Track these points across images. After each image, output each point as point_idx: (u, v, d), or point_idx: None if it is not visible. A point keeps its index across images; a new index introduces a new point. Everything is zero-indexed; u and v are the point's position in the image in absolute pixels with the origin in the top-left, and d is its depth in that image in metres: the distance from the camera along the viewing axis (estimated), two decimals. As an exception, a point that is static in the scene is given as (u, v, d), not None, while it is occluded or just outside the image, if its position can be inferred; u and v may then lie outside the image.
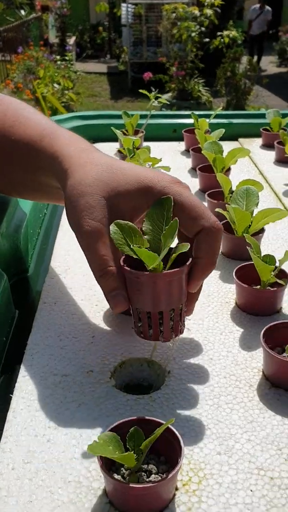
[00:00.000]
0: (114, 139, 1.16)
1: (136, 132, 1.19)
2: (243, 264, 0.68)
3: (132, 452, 0.41)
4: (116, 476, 0.42)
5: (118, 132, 1.06)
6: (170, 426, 0.43)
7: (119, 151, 1.12)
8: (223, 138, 1.06)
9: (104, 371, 0.56)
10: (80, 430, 0.49)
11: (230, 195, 0.83)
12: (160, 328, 0.51)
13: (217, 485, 0.44)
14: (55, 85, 5.80)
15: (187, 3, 7.27)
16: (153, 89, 1.22)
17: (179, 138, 1.28)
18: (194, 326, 0.63)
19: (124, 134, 1.15)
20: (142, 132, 1.20)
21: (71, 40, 10.15)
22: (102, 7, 11.11)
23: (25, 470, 0.45)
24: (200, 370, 0.56)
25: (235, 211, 0.73)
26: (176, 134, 1.33)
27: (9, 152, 0.65)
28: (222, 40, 6.85)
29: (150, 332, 0.51)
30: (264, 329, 0.56)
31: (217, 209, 0.78)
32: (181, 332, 0.53)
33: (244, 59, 6.78)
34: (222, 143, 1.00)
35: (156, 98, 1.20)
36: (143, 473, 0.43)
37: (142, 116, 1.27)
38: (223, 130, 1.06)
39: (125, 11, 8.83)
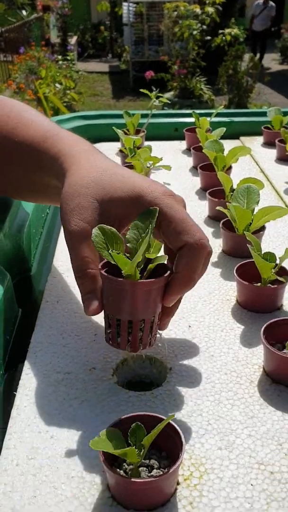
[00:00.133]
0: (116, 138, 1.17)
1: (137, 132, 1.20)
2: (243, 261, 0.69)
3: (134, 447, 0.41)
4: (118, 471, 0.43)
5: (119, 132, 1.07)
6: (171, 421, 0.43)
7: (120, 150, 1.13)
8: (225, 136, 1.06)
9: (106, 368, 0.56)
10: (83, 427, 0.49)
11: (231, 193, 0.83)
12: (129, 337, 0.51)
13: (218, 480, 0.44)
14: (57, 85, 5.81)
15: (188, 1, 7.26)
16: (154, 88, 1.22)
17: (181, 137, 1.29)
18: (195, 323, 0.64)
19: (126, 133, 1.16)
20: (144, 131, 1.21)
21: (73, 40, 10.16)
22: (103, 6, 11.11)
23: (29, 466, 0.46)
24: (201, 366, 0.57)
25: (235, 209, 0.73)
26: (177, 133, 1.34)
27: (12, 153, 0.66)
28: (224, 38, 6.85)
29: (118, 340, 0.51)
30: (265, 326, 0.56)
31: (218, 207, 0.79)
32: (150, 345, 0.52)
33: (246, 56, 6.77)
34: (224, 141, 1.01)
35: (157, 97, 1.20)
36: (145, 468, 0.43)
37: (144, 116, 1.28)
38: (224, 129, 1.06)
39: (126, 10, 8.83)
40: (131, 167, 0.95)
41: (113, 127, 1.08)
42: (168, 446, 0.44)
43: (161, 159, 0.96)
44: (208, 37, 6.98)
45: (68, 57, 7.91)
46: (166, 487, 0.42)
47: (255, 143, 1.29)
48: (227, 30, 6.91)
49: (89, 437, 0.48)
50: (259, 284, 0.66)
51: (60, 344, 0.60)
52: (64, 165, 0.58)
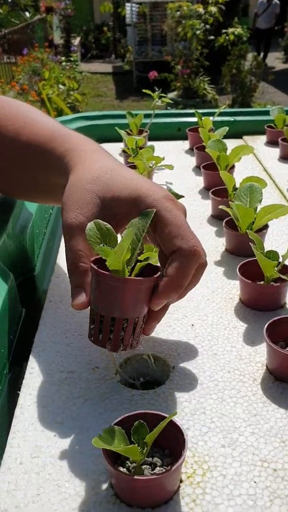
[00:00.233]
0: (119, 139, 1.17)
1: (140, 132, 1.20)
2: (246, 260, 0.69)
3: (137, 445, 0.42)
4: (121, 469, 0.43)
5: (122, 132, 1.07)
6: (173, 419, 0.43)
7: (123, 151, 1.13)
8: (228, 136, 1.06)
9: (109, 367, 0.56)
10: (86, 425, 0.49)
11: (234, 192, 0.83)
12: (110, 335, 0.50)
13: (221, 477, 0.44)
14: (60, 86, 5.82)
15: (191, 1, 7.26)
16: (156, 89, 1.22)
17: (184, 137, 1.29)
18: (198, 322, 0.64)
19: (129, 134, 1.16)
20: (147, 131, 1.21)
21: (76, 41, 10.16)
22: (106, 7, 11.12)
23: (33, 464, 0.46)
24: (204, 365, 0.57)
25: (238, 208, 0.73)
26: (180, 132, 1.34)
27: (19, 153, 0.67)
28: (227, 37, 6.84)
29: (99, 337, 0.50)
30: (267, 323, 0.56)
31: (220, 206, 0.79)
32: (131, 347, 0.51)
33: (250, 56, 6.76)
34: (227, 141, 1.01)
35: (160, 97, 1.20)
36: (148, 466, 0.44)
37: (147, 116, 1.28)
38: (227, 128, 1.06)
39: (129, 10, 8.83)
40: (133, 167, 0.95)
41: (115, 128, 1.08)
42: (171, 444, 0.44)
43: (163, 158, 0.96)
44: (211, 37, 6.97)
45: (72, 58, 7.93)
46: (169, 484, 0.42)
47: (258, 142, 1.28)
48: (230, 30, 6.90)
49: (92, 436, 0.48)
50: (262, 282, 0.66)
51: (63, 344, 0.60)
52: (70, 162, 0.59)
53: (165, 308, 0.53)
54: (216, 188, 0.91)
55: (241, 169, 1.09)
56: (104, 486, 0.44)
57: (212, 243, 0.82)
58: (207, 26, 6.83)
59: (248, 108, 4.23)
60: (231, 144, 1.05)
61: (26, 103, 0.76)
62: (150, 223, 0.50)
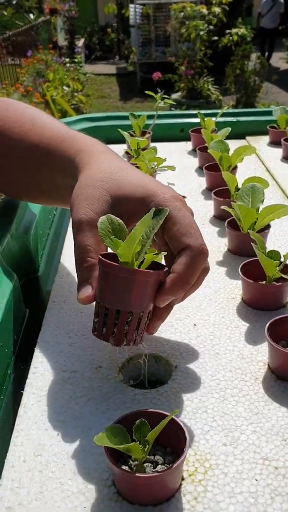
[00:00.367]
0: (122, 140, 1.17)
1: (143, 133, 1.20)
2: (248, 260, 0.69)
3: (138, 443, 0.42)
4: (123, 467, 0.43)
5: (125, 134, 1.07)
6: (175, 418, 0.44)
7: (126, 152, 1.13)
8: (231, 136, 1.06)
9: (112, 366, 0.57)
10: (89, 424, 0.50)
11: (236, 192, 0.84)
12: (114, 328, 0.50)
13: (222, 475, 0.45)
14: (65, 87, 5.84)
15: (195, 2, 7.26)
16: (159, 90, 1.23)
17: (187, 138, 1.29)
18: (200, 321, 0.64)
19: (132, 135, 1.16)
20: (149, 132, 1.21)
21: (80, 42, 10.19)
22: (110, 8, 11.13)
23: (36, 462, 0.46)
24: (206, 364, 0.57)
25: (240, 208, 0.74)
26: (183, 133, 1.34)
27: (25, 154, 0.67)
28: (231, 38, 6.84)
29: (103, 331, 0.50)
30: (269, 323, 0.57)
31: (222, 207, 0.79)
32: (135, 343, 0.51)
33: (254, 56, 6.75)
34: (229, 141, 1.01)
35: (163, 98, 1.21)
36: (150, 464, 0.44)
37: (150, 117, 1.29)
38: (229, 129, 1.07)
39: (133, 11, 8.84)
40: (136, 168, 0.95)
41: (118, 129, 1.09)
42: (173, 442, 0.45)
43: (165, 159, 0.97)
44: (215, 37, 6.97)
45: (76, 60, 7.94)
46: (171, 482, 0.42)
47: (261, 142, 1.29)
48: (234, 30, 6.89)
49: (95, 434, 0.48)
50: (264, 282, 0.66)
51: (66, 343, 0.61)
52: (80, 163, 0.60)
53: (169, 308, 0.54)
54: (219, 189, 0.92)
55: (244, 169, 1.09)
56: (107, 483, 0.44)
57: (215, 243, 0.82)
58: (211, 27, 6.83)
59: (251, 108, 4.23)
60: (234, 144, 1.06)
61: (30, 105, 0.77)
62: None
